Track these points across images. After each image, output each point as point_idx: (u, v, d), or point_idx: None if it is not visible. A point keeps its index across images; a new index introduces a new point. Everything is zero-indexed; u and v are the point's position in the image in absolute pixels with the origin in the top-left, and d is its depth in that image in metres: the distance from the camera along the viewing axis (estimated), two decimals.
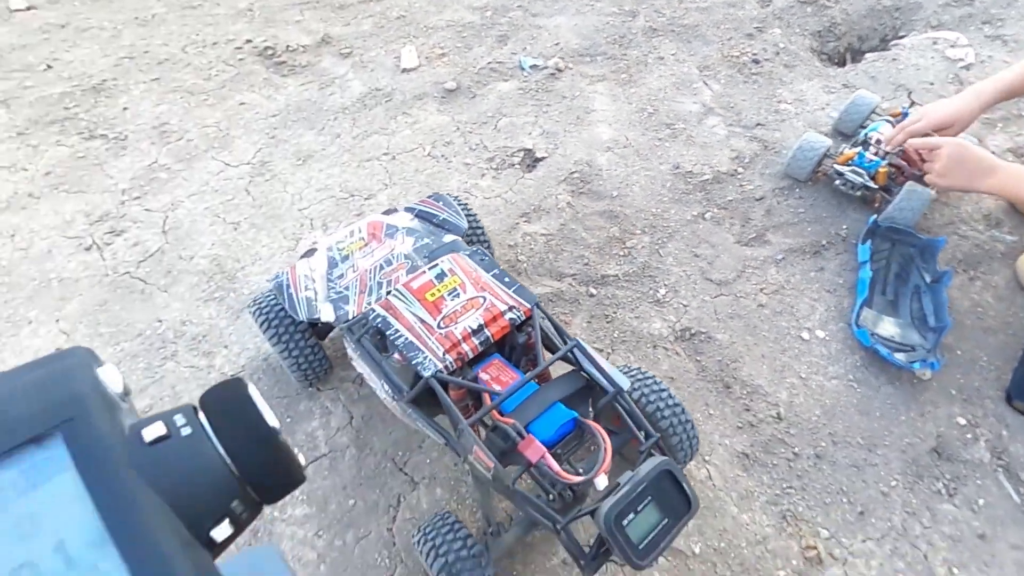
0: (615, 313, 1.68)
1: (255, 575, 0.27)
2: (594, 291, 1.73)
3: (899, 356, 1.50)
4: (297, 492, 1.37)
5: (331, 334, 1.57)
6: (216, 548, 0.25)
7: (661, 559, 1.27)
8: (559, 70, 2.44)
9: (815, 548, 1.28)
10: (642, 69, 2.43)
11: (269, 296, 1.40)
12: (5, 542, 0.21)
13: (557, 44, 2.57)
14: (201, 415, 0.27)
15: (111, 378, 0.24)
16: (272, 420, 0.28)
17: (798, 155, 1.88)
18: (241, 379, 0.29)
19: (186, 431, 0.26)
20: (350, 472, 1.40)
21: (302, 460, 0.30)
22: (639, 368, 1.28)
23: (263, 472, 0.27)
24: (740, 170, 2.03)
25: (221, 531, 0.25)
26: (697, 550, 1.28)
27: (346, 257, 1.37)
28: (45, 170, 2.08)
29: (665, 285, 1.73)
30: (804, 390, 1.52)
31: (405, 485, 1.38)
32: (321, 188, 2.02)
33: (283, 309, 1.37)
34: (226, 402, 0.27)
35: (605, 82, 2.38)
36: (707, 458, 1.40)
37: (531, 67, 2.47)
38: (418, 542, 1.09)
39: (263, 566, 0.34)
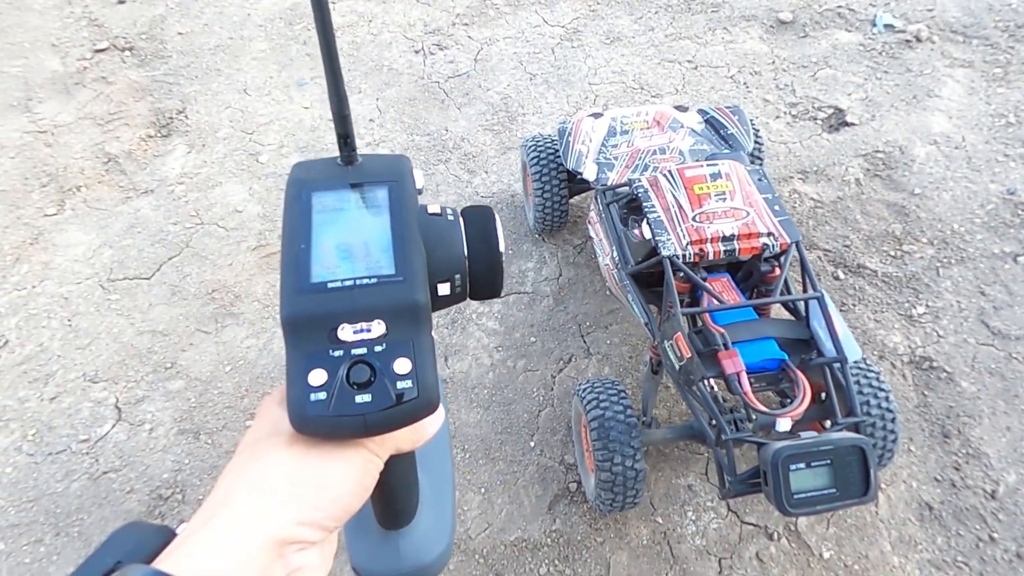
0: (853, 306, 1.53)
1: None
2: (841, 276, 1.58)
3: None
4: (494, 310, 1.56)
5: (575, 198, 1.67)
6: (436, 300, 0.35)
7: (786, 542, 1.23)
8: (918, 39, 2.09)
9: None
10: None
11: (547, 139, 1.53)
12: (344, 229, 0.34)
13: (931, 10, 2.19)
14: (461, 217, 0.38)
15: (418, 178, 0.37)
16: (502, 245, 0.37)
17: None
18: (491, 208, 0.38)
19: (451, 218, 0.37)
20: (541, 317, 1.54)
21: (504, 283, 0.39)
22: (865, 358, 1.18)
23: (482, 269, 0.37)
24: None
25: (443, 288, 0.36)
26: (827, 556, 1.21)
27: (626, 132, 1.42)
28: None
29: (927, 306, 1.52)
30: None
31: (580, 350, 1.48)
32: (616, 71, 2.06)
33: (554, 153, 1.49)
34: (478, 216, 0.38)
35: (969, 70, 2.00)
36: (884, 485, 1.28)
37: (886, 26, 2.16)
38: (583, 391, 1.19)
39: None
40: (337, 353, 0.31)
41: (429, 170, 1.84)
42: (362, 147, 1.90)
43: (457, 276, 0.35)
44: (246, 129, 1.99)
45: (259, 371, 1.48)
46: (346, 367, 0.30)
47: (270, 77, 2.13)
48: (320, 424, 0.30)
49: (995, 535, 1.22)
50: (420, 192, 0.36)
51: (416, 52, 2.16)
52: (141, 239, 1.74)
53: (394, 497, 0.38)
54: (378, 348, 0.31)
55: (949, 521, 1.25)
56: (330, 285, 0.31)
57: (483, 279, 0.36)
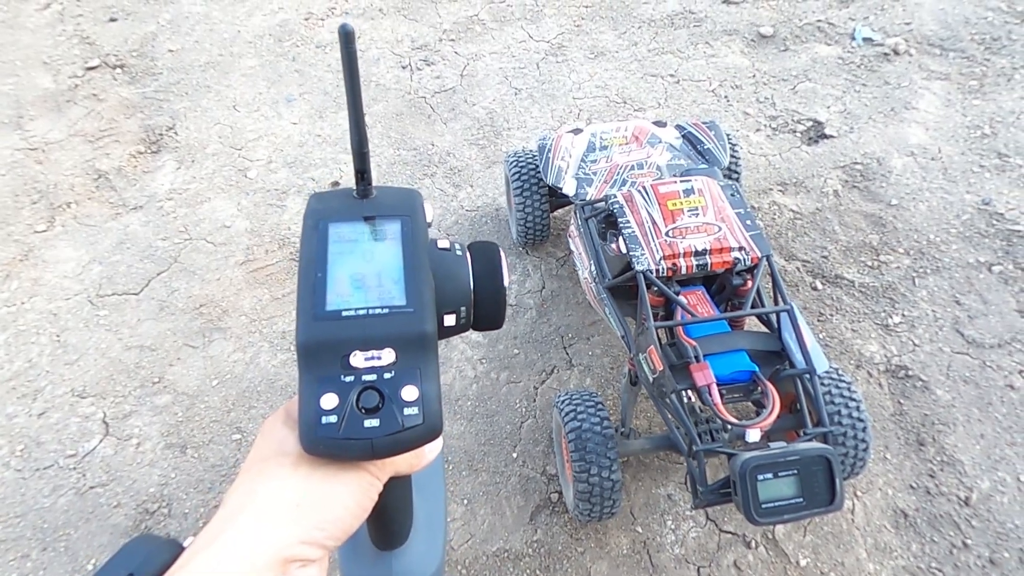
0: (831, 316, 1.56)
1: None
2: (820, 286, 1.61)
3: None
4: None
5: (558, 212, 1.70)
6: (442, 330, 0.37)
7: (763, 550, 1.25)
8: (896, 52, 2.14)
9: None
10: (1000, 83, 2.03)
11: (529, 154, 1.56)
12: (358, 260, 0.35)
13: (908, 24, 2.23)
14: (468, 252, 0.40)
15: (428, 211, 0.39)
16: (506, 280, 0.39)
17: None
18: (497, 244, 0.41)
19: (459, 252, 0.38)
20: (524, 329, 1.57)
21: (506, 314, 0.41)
22: (838, 368, 1.21)
23: (486, 302, 0.38)
24: None
25: (448, 320, 0.37)
26: (803, 563, 1.23)
27: (605, 147, 1.45)
28: None
29: (903, 315, 1.55)
30: (1015, 493, 1.30)
31: (563, 362, 1.51)
32: (600, 86, 2.10)
33: (535, 168, 1.52)
34: (484, 252, 0.40)
35: (945, 82, 2.04)
36: (859, 493, 1.30)
37: (864, 40, 2.20)
38: (561, 402, 1.21)
39: None
40: (348, 378, 0.32)
41: (415, 184, 1.87)
42: (347, 160, 1.93)
43: (463, 308, 0.37)
44: (235, 145, 2.02)
45: (245, 385, 1.50)
46: (356, 392, 0.32)
47: (259, 93, 2.16)
48: (329, 446, 0.32)
49: (968, 541, 1.24)
50: (430, 224, 0.38)
51: (403, 68, 2.20)
52: (130, 255, 1.76)
53: (390, 518, 0.40)
54: (387, 375, 0.33)
55: (924, 528, 1.27)
56: (344, 313, 0.33)
57: (487, 312, 0.38)
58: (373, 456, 0.33)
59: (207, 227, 1.81)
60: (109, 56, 2.30)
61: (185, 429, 1.44)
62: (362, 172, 0.36)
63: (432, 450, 0.38)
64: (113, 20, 2.44)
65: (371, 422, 0.32)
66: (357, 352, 0.32)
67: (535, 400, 1.45)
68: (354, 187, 0.37)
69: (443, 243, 0.38)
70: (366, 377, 0.32)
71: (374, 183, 0.37)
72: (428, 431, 0.33)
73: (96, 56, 2.30)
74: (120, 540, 1.28)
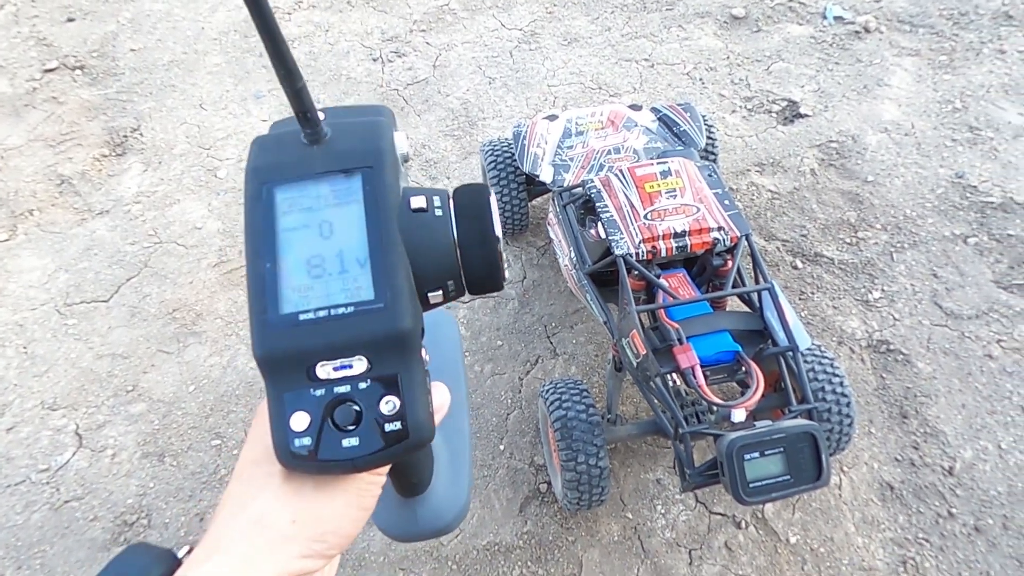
0: (812, 294, 1.56)
1: (434, 327, 0.35)
2: (800, 265, 1.61)
3: None
4: (460, 315, 1.57)
5: (536, 200, 1.68)
6: (427, 306, 0.33)
7: (753, 530, 1.25)
8: (867, 30, 2.15)
9: None
10: (969, 57, 2.04)
11: (504, 143, 1.53)
12: (314, 238, 0.29)
13: (878, 2, 2.24)
14: (451, 201, 0.32)
15: (401, 143, 0.31)
16: (498, 231, 0.32)
17: None
18: (487, 187, 0.33)
19: (438, 212, 0.31)
20: (507, 320, 1.55)
21: (507, 274, 0.35)
22: (820, 345, 1.21)
23: (477, 266, 0.32)
24: None
25: (434, 297, 0.31)
26: (793, 540, 1.23)
27: (581, 133, 1.43)
28: None
29: (882, 290, 1.56)
30: (997, 460, 1.31)
31: (547, 351, 1.49)
32: (575, 72, 2.08)
33: (511, 157, 1.49)
34: (470, 204, 0.32)
35: (916, 58, 2.06)
36: (846, 468, 1.31)
37: (835, 18, 2.20)
38: (546, 391, 1.20)
39: (440, 321, 0.42)
40: (318, 392, 0.29)
41: None
42: None
43: (450, 282, 0.32)
44: (203, 144, 1.96)
45: (224, 389, 1.46)
46: (329, 408, 0.28)
47: (226, 91, 2.10)
48: (308, 468, 0.29)
49: (954, 510, 1.26)
50: (407, 160, 0.32)
51: (374, 60, 2.16)
52: (98, 261, 1.70)
53: (408, 474, 0.38)
54: (362, 385, 0.29)
55: (910, 499, 1.28)
56: (302, 317, 0.28)
57: (479, 275, 0.32)
58: (357, 471, 0.30)
59: (177, 229, 1.76)
60: (68, 57, 2.23)
61: (162, 437, 1.40)
62: (304, 112, 0.29)
63: (442, 406, 0.34)
64: (71, 20, 2.36)
65: (350, 441, 0.28)
66: (324, 363, 0.28)
67: (520, 391, 1.43)
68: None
69: (418, 201, 0.31)
70: (338, 389, 0.29)
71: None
72: (414, 445, 0.30)
73: (54, 58, 2.22)
74: (98, 554, 1.25)
